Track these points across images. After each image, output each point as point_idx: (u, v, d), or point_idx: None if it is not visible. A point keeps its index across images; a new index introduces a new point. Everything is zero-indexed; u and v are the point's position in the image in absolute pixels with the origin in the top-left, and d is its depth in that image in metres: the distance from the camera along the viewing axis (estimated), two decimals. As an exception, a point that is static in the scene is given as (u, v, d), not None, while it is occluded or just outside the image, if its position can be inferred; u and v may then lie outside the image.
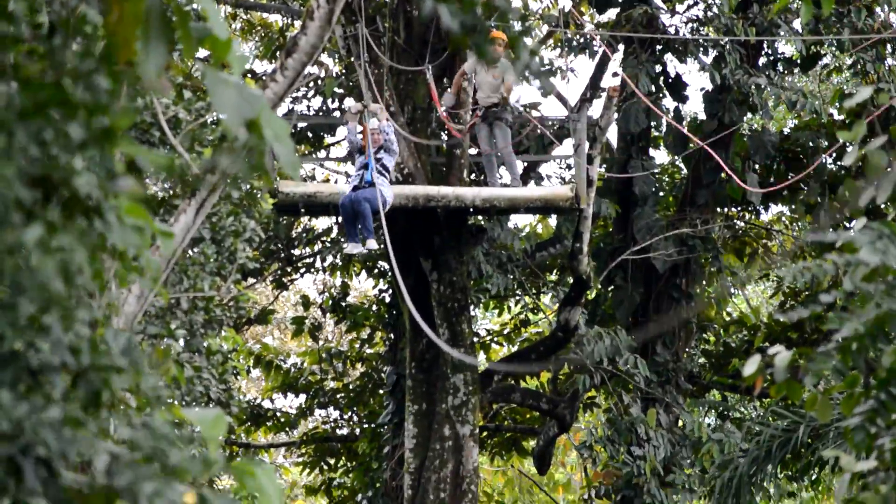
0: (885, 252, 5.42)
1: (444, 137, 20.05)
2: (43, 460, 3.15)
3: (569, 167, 23.23)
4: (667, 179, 24.11)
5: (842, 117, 22.04)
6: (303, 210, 17.89)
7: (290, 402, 25.98)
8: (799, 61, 22.10)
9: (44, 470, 3.15)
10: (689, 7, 21.94)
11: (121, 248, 3.41)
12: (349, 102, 16.75)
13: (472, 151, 19.58)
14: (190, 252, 10.59)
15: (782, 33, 20.34)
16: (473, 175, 20.46)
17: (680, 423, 20.61)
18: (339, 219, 17.71)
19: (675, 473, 19.75)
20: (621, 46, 21.24)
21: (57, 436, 3.13)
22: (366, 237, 15.99)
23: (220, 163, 3.44)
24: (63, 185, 3.26)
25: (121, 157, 3.49)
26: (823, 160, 21.91)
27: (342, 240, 23.59)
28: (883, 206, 6.19)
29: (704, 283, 23.10)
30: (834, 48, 21.78)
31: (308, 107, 23.33)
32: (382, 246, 16.74)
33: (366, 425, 23.90)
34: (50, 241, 3.18)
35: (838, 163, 22.33)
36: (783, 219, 25.32)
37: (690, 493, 19.60)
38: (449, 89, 18.38)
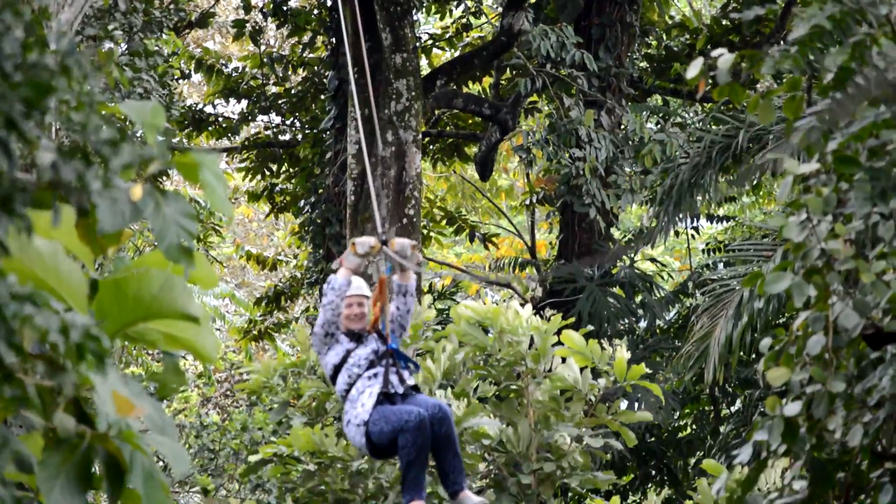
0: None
1: None
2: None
3: None
4: None
5: None
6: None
7: (231, 108, 25.82)
8: None
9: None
10: None
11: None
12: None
13: None
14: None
15: None
16: None
17: (622, 125, 20.68)
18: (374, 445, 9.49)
19: (616, 175, 19.92)
20: None
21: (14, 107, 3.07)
22: (460, 484, 9.29)
23: None
24: None
25: None
26: None
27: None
28: None
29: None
30: None
31: None
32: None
33: (308, 131, 23.84)
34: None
35: None
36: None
37: (632, 194, 19.81)
38: None
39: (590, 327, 11.79)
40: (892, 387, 5.21)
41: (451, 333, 11.64)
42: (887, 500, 5.37)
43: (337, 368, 9.56)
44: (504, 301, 11.78)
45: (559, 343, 11.45)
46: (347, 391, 9.50)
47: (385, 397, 9.34)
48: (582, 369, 11.41)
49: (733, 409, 21.07)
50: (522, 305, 11.61)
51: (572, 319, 12.10)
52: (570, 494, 15.83)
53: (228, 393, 23.22)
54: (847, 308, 5.40)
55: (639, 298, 20.95)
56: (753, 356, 17.57)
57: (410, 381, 9.51)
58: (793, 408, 5.41)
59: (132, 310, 3.56)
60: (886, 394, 5.26)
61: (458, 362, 11.56)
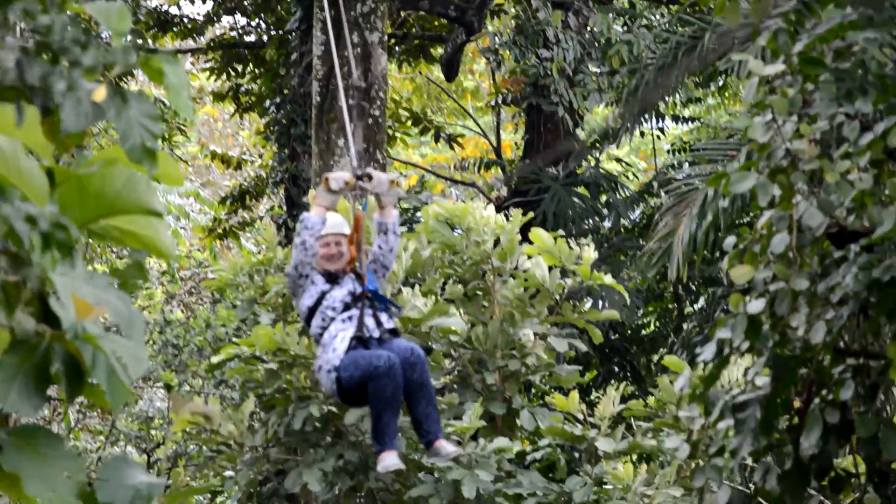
0: None
1: None
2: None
3: None
4: None
5: None
6: None
7: (196, 9, 25.58)
8: None
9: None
10: None
11: None
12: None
13: None
14: None
15: None
16: None
17: (589, 27, 20.59)
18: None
19: (584, 75, 19.85)
20: None
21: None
22: (435, 433, 8.79)
23: None
24: None
25: None
26: None
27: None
28: None
29: None
30: None
31: None
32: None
33: (273, 32, 23.65)
34: None
35: None
36: None
37: (600, 93, 19.77)
38: None
39: (560, 232, 11.80)
40: (855, 284, 5.25)
41: (420, 233, 11.64)
42: (849, 395, 5.44)
43: (312, 311, 9.07)
44: (471, 200, 11.78)
45: (527, 241, 11.49)
46: (321, 335, 9.04)
47: (359, 342, 8.84)
48: (550, 269, 11.45)
49: (696, 306, 21.23)
50: (486, 207, 11.62)
51: (531, 215, 12.10)
52: (533, 391, 15.96)
53: (193, 291, 23.22)
54: (811, 207, 5.43)
55: (604, 198, 21.00)
56: (717, 255, 17.69)
57: (389, 325, 8.98)
58: (756, 305, 5.45)
59: (95, 206, 3.53)
60: (849, 291, 5.30)
61: (425, 260, 11.58)
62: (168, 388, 17.77)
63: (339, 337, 8.87)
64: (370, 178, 8.83)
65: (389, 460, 8.62)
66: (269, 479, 11.27)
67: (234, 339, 12.50)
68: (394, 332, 9.01)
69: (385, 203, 9.05)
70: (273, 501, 11.32)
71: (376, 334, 8.91)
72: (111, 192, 3.55)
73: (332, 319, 8.99)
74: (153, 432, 19.43)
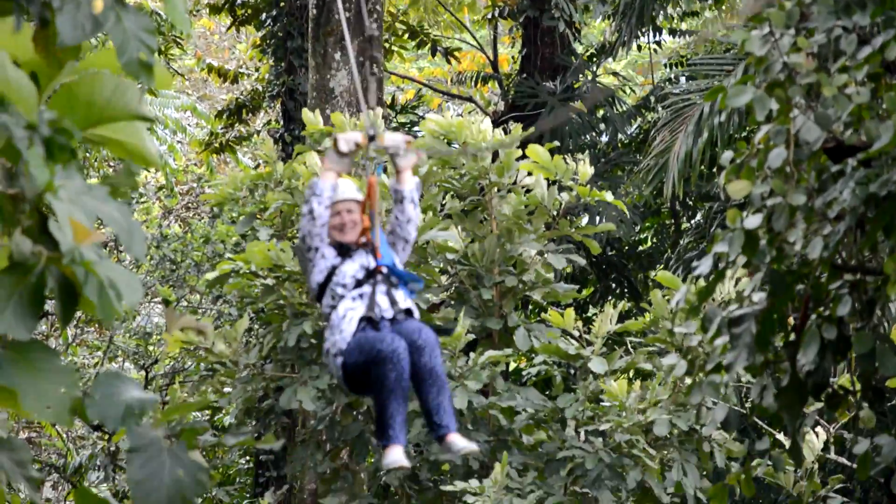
0: None
1: None
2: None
3: None
4: None
5: None
6: None
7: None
8: None
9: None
10: None
11: None
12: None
13: None
14: None
15: None
16: None
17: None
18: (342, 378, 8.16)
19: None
20: None
21: None
22: (447, 426, 7.77)
23: None
24: None
25: None
26: None
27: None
28: None
29: None
30: None
31: None
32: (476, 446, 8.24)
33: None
34: None
35: None
36: None
37: (602, 3, 19.61)
38: None
39: (556, 143, 11.73)
40: (852, 200, 5.22)
41: (419, 147, 11.56)
42: (846, 311, 5.43)
43: (322, 287, 8.12)
44: (468, 114, 11.69)
45: (523, 157, 11.42)
46: (330, 315, 8.10)
47: (369, 323, 7.92)
48: (548, 185, 11.41)
49: (693, 222, 21.22)
50: (483, 121, 11.53)
51: (531, 130, 12.04)
52: (530, 307, 15.97)
53: (190, 206, 23.18)
54: (808, 121, 5.39)
55: (601, 113, 20.91)
56: (714, 170, 17.66)
57: (405, 304, 8.02)
58: (753, 220, 5.42)
59: (85, 114, 3.51)
60: (846, 206, 5.27)
61: (423, 176, 11.51)
62: (166, 303, 17.76)
63: (348, 318, 7.96)
64: (382, 138, 7.94)
65: (393, 457, 7.72)
66: (268, 396, 11.27)
67: (231, 256, 12.47)
68: (409, 313, 8.07)
69: (401, 167, 8.10)
70: (271, 418, 11.34)
71: (389, 315, 7.98)
72: (101, 100, 3.53)
73: (342, 297, 8.06)
74: (151, 348, 19.46)
